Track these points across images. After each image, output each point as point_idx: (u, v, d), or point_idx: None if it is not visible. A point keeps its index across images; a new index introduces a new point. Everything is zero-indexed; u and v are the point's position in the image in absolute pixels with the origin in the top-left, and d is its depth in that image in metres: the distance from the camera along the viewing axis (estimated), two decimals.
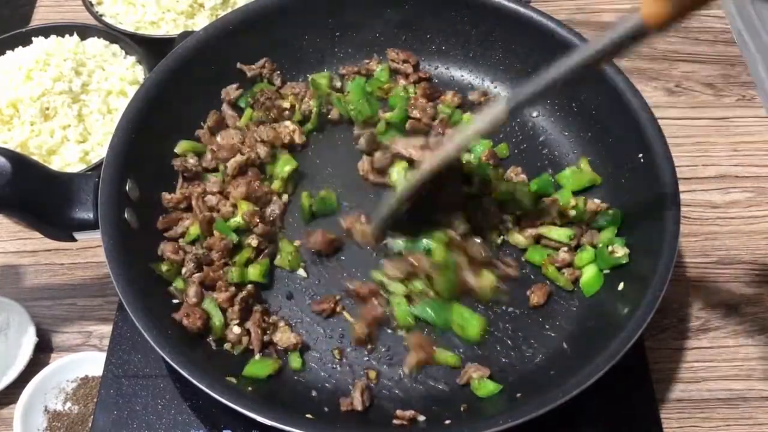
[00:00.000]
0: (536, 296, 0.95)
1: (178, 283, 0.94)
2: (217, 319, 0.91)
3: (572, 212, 1.00)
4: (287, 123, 1.08)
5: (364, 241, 0.98)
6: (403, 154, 0.94)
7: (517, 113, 0.77)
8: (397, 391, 0.89)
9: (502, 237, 1.00)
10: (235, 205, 0.99)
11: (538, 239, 1.00)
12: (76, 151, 1.15)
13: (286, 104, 1.10)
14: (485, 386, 0.88)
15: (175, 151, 1.04)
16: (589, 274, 0.96)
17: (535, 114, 1.12)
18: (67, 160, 1.15)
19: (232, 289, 0.93)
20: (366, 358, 0.92)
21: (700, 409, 0.98)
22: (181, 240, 0.98)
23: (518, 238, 1.00)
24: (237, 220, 0.98)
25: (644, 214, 0.94)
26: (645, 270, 0.88)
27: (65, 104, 1.17)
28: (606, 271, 0.96)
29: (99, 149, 1.17)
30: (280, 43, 1.14)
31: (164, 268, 0.93)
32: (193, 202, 0.99)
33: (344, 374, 0.91)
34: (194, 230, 0.98)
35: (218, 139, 1.06)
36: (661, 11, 0.56)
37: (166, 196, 1.00)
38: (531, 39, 1.09)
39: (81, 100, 1.20)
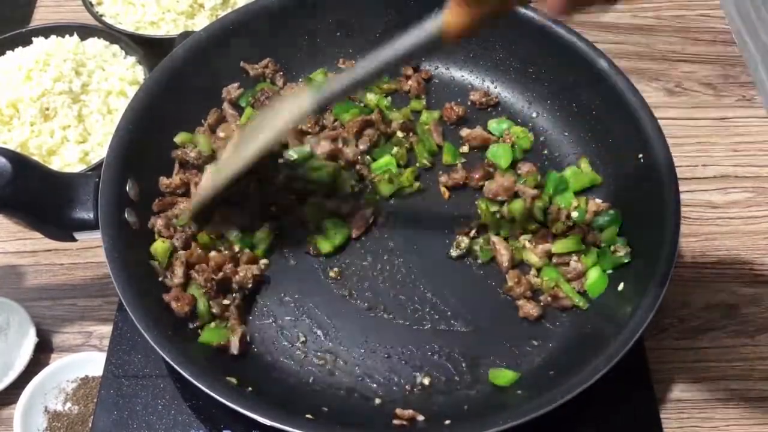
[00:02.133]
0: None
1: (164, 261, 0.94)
2: (202, 304, 0.91)
3: (575, 213, 1.00)
4: None
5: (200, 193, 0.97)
6: None
7: (321, 106, 0.85)
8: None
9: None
10: None
11: (550, 256, 0.97)
12: (76, 151, 1.15)
13: None
14: (504, 375, 0.88)
15: (174, 140, 1.04)
16: (593, 277, 0.95)
17: (534, 114, 1.12)
18: (67, 161, 1.15)
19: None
20: (363, 359, 0.92)
21: (700, 409, 0.98)
22: (174, 221, 0.99)
23: (532, 257, 0.97)
24: None
25: (644, 215, 0.94)
26: (645, 270, 0.88)
27: (65, 104, 1.16)
28: (608, 272, 0.96)
29: (99, 149, 1.16)
30: (280, 43, 1.14)
31: (160, 249, 0.93)
32: (192, 187, 1.00)
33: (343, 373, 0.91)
34: None
35: (218, 132, 1.07)
36: (460, 22, 0.63)
37: (164, 180, 1.01)
38: (531, 39, 1.09)
39: (81, 100, 1.19)
